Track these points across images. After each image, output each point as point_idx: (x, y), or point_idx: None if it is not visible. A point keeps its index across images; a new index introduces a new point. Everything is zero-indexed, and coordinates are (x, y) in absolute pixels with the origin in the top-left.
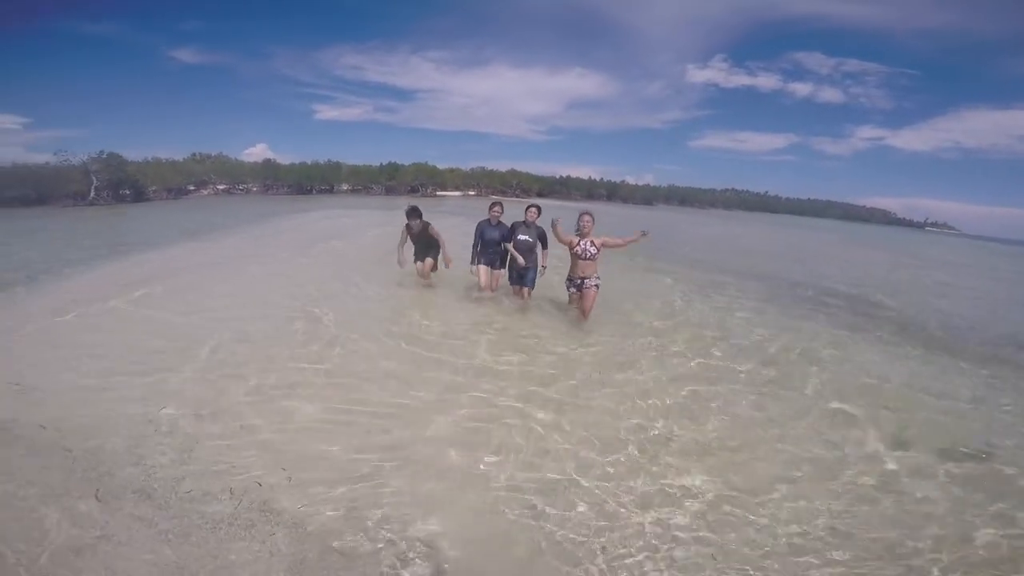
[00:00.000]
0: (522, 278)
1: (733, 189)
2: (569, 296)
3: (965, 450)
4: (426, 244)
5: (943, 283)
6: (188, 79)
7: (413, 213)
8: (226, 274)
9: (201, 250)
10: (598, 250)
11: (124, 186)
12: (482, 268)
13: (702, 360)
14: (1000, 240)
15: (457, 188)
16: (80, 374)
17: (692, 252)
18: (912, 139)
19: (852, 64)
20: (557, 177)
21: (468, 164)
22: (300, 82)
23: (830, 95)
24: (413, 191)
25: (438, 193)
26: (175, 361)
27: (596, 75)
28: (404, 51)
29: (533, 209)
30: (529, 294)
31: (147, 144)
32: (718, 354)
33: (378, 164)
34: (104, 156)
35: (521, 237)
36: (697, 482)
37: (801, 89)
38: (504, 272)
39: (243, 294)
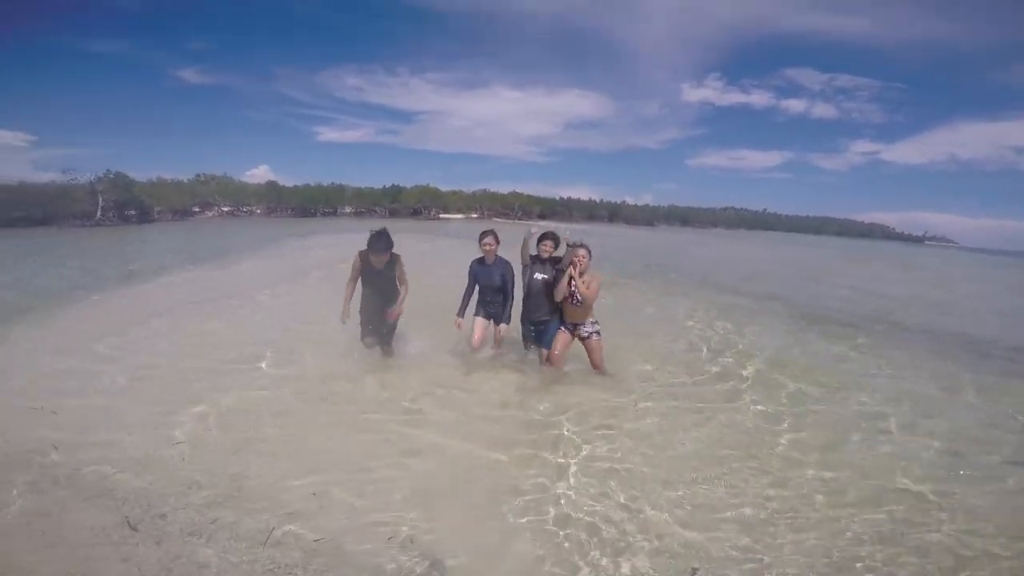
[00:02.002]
0: (542, 335)
1: (733, 208)
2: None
3: None
4: (383, 291)
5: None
6: (192, 99)
7: (379, 240)
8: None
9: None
10: (591, 286)
11: (130, 207)
12: (478, 321)
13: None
14: (1002, 252)
15: (459, 211)
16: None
17: (727, 278)
18: (906, 152)
19: (844, 79)
20: (559, 199)
21: (469, 186)
22: (302, 103)
23: (823, 111)
24: (416, 214)
25: (441, 216)
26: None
27: (593, 95)
28: (404, 73)
29: (549, 243)
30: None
31: (151, 163)
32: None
33: (381, 186)
34: (111, 176)
35: (537, 276)
36: None
37: (795, 105)
38: (506, 327)
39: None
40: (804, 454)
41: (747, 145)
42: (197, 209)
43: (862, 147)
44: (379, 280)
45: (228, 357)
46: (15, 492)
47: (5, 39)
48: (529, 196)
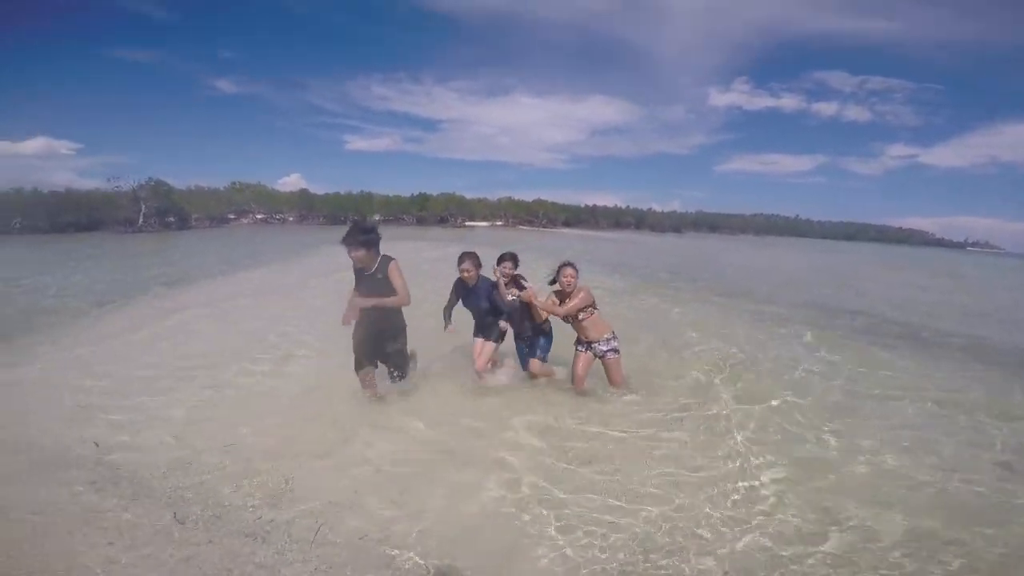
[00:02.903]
0: (532, 350)
1: (762, 214)
2: (575, 355)
3: None
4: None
5: None
6: (226, 108)
7: (350, 233)
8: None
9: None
10: (588, 314)
11: (170, 214)
12: (477, 343)
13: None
14: None
15: (485, 218)
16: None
17: (759, 286)
18: (946, 155)
19: (876, 81)
20: (583, 206)
21: (494, 193)
22: (331, 112)
23: (856, 114)
24: (442, 221)
25: (467, 223)
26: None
27: (617, 102)
28: (428, 81)
29: (508, 263)
30: (547, 366)
31: (189, 170)
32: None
33: (408, 194)
34: (152, 183)
35: (510, 298)
36: None
37: (826, 109)
38: (495, 346)
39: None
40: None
41: (777, 149)
42: (232, 216)
43: (898, 150)
44: (369, 289)
45: (273, 356)
46: (76, 490)
47: (51, 52)
48: (554, 203)
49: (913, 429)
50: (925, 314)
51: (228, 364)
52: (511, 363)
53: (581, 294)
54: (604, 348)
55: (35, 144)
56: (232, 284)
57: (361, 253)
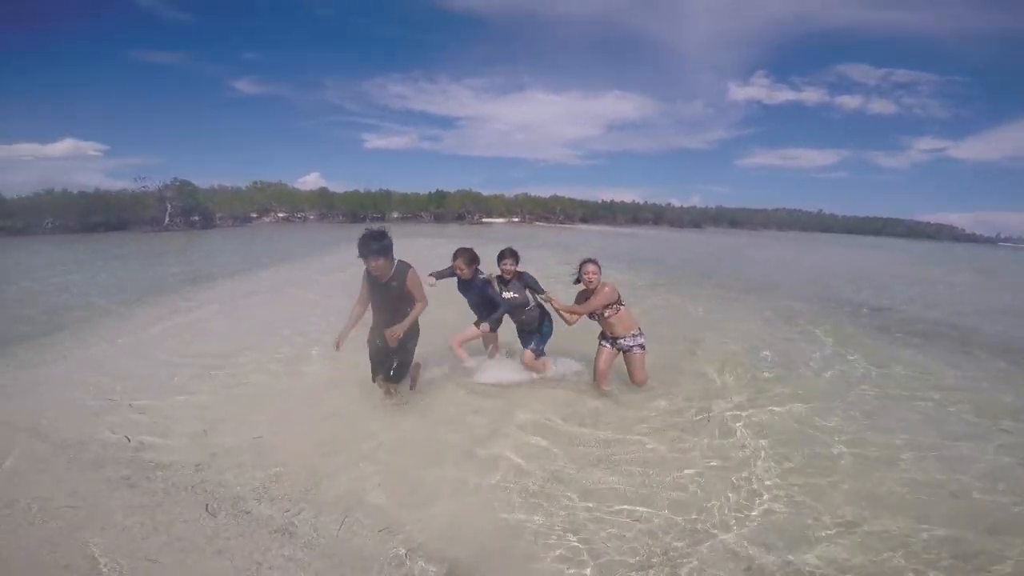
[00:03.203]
0: (529, 340)
1: (785, 209)
2: (598, 350)
3: None
4: (392, 313)
5: None
6: (248, 108)
7: (367, 242)
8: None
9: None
10: (613, 310)
11: (195, 213)
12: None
13: None
14: None
15: (501, 215)
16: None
17: (784, 281)
18: (976, 148)
19: (901, 74)
20: (601, 202)
21: (510, 190)
22: (350, 112)
23: (881, 107)
24: (460, 218)
25: (484, 220)
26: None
27: (634, 97)
28: (443, 80)
29: (508, 260)
30: (540, 359)
31: (212, 170)
32: None
33: (426, 192)
34: (177, 183)
35: (507, 295)
36: None
37: (849, 102)
38: (478, 332)
39: None
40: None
41: (799, 144)
42: (255, 215)
43: (926, 144)
44: (385, 298)
45: (299, 355)
46: (112, 485)
47: (77, 55)
48: (571, 200)
49: (945, 436)
50: (954, 312)
51: (250, 361)
52: (505, 359)
53: (605, 291)
54: (630, 343)
55: (63, 146)
56: (255, 281)
57: (380, 262)
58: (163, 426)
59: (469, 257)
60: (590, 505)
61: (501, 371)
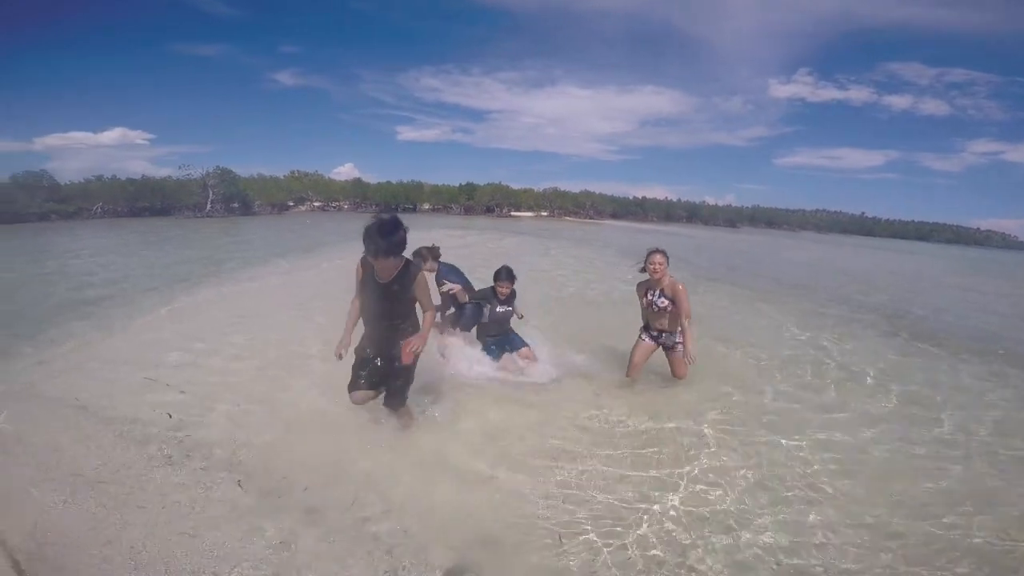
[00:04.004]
0: (503, 344)
1: (825, 210)
2: (636, 342)
3: None
4: (391, 319)
5: None
6: (286, 100)
7: (377, 235)
8: None
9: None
10: (671, 303)
11: (235, 200)
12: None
13: None
14: None
15: (530, 209)
16: None
17: (824, 284)
18: None
19: (957, 74)
20: (632, 198)
21: (540, 184)
22: (384, 104)
23: (933, 107)
24: (489, 211)
25: (512, 213)
26: None
27: (670, 92)
28: (476, 73)
29: (505, 284)
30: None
31: (252, 159)
32: None
33: (457, 184)
34: (219, 171)
35: (499, 309)
36: None
37: (899, 102)
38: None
39: None
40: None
41: (844, 143)
42: (292, 204)
43: (981, 147)
44: (384, 301)
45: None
46: (154, 463)
47: (125, 48)
48: (601, 195)
49: (994, 458)
50: (1010, 326)
51: (288, 344)
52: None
53: (680, 288)
54: (676, 339)
55: (112, 135)
56: (293, 266)
57: (390, 262)
58: (202, 406)
59: (425, 252)
60: (613, 501)
61: (486, 368)
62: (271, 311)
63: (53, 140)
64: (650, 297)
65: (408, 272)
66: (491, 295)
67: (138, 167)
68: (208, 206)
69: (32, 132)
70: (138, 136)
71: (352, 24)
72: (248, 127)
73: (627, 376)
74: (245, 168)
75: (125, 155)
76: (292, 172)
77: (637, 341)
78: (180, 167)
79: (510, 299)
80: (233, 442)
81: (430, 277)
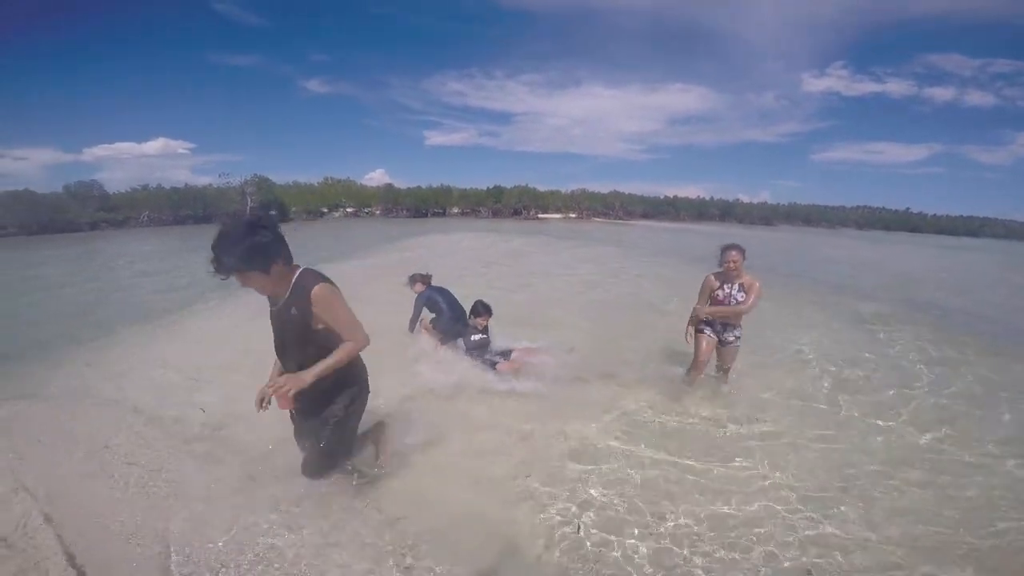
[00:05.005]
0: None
1: (867, 206)
2: (688, 335)
3: None
4: (290, 351)
5: None
6: (318, 107)
7: (222, 248)
8: None
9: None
10: (748, 297)
11: (272, 207)
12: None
13: None
14: None
15: (558, 210)
16: None
17: (868, 284)
18: None
19: (1002, 64)
20: (663, 197)
21: (567, 186)
22: (412, 109)
23: (979, 99)
24: (516, 213)
25: (540, 216)
26: None
27: (698, 89)
28: (500, 76)
29: (484, 317)
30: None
31: (286, 166)
32: None
33: (484, 188)
34: (256, 179)
35: (475, 338)
36: None
37: (941, 94)
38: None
39: None
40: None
41: (884, 137)
42: (325, 210)
43: None
44: (284, 332)
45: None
46: (199, 460)
47: (165, 60)
48: (630, 195)
49: None
50: None
51: None
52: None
53: (756, 286)
54: (737, 334)
55: (155, 145)
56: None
57: (259, 278)
58: (241, 407)
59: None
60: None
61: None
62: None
63: (100, 151)
64: (727, 290)
65: (302, 289)
66: (465, 329)
67: (180, 176)
68: (247, 213)
69: (80, 143)
70: (179, 145)
71: (376, 29)
72: (282, 135)
73: (692, 373)
74: (280, 175)
75: (168, 164)
76: (326, 179)
77: (698, 336)
78: (220, 175)
79: (486, 329)
80: (272, 441)
81: (411, 299)
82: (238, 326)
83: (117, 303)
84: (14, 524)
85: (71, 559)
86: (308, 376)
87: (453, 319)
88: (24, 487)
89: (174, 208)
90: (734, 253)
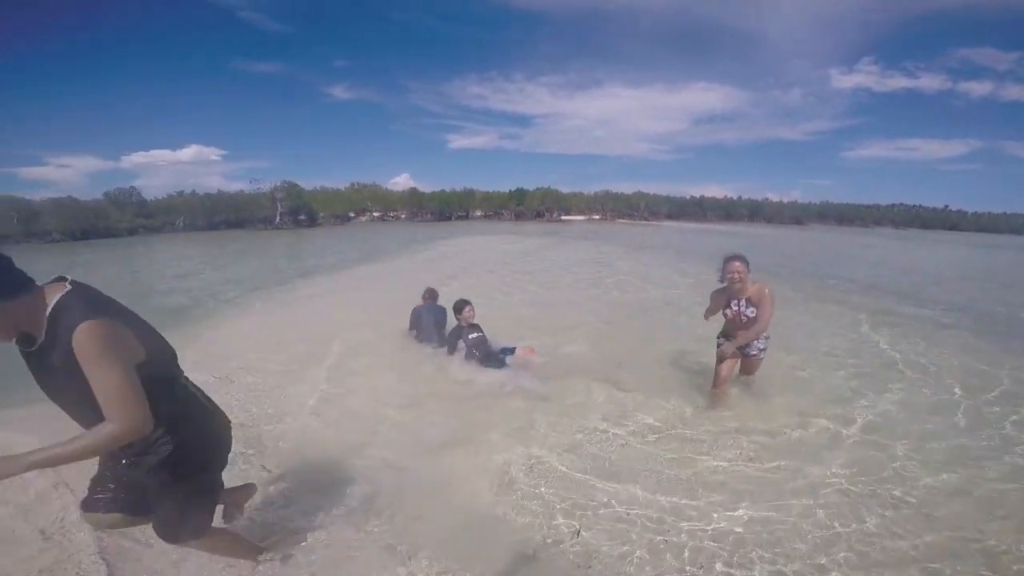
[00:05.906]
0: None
1: (903, 204)
2: (719, 344)
3: None
4: (73, 412)
5: None
6: (342, 113)
7: None
8: None
9: None
10: (761, 311)
11: (301, 212)
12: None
13: None
14: None
15: (581, 212)
16: None
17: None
18: None
19: None
20: (689, 197)
21: (590, 187)
22: (433, 113)
23: (1017, 92)
24: (539, 216)
25: (563, 217)
26: None
27: (722, 87)
28: (519, 78)
29: (469, 309)
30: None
31: (314, 172)
32: None
33: (507, 190)
34: (286, 185)
35: (472, 336)
36: None
37: (977, 88)
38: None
39: None
40: None
41: (918, 134)
42: (352, 215)
43: None
44: (48, 385)
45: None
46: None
47: (196, 69)
48: (655, 195)
49: None
50: None
51: (351, 351)
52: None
53: (767, 293)
54: (761, 346)
55: (189, 152)
56: (357, 275)
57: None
58: (275, 407)
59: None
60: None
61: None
62: (334, 317)
63: (138, 158)
64: (736, 308)
65: (64, 329)
66: (457, 329)
67: (213, 182)
68: (277, 218)
69: (119, 150)
70: (212, 152)
71: (396, 35)
72: (308, 141)
73: (714, 390)
74: (307, 181)
75: (201, 171)
76: (352, 184)
77: (720, 352)
78: (251, 181)
79: (477, 326)
80: (300, 436)
81: (408, 313)
82: (262, 324)
83: (162, 304)
84: (52, 518)
85: (102, 553)
86: (21, 464)
87: (435, 326)
88: (65, 483)
89: (207, 214)
90: (737, 264)
